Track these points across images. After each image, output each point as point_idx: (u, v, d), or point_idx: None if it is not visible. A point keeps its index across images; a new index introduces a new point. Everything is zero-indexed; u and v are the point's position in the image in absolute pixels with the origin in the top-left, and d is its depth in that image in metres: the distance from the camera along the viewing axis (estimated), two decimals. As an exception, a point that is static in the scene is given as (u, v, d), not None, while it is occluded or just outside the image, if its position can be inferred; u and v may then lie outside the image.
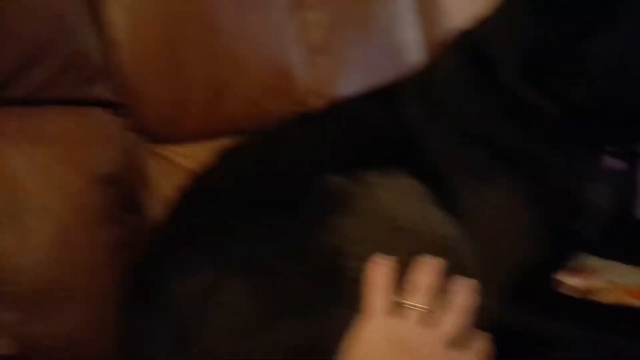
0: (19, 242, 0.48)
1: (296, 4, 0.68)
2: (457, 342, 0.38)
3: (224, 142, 0.60)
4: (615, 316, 0.46)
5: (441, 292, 0.40)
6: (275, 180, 0.50)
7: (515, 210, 0.48)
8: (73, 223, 0.50)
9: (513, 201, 0.48)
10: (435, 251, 0.41)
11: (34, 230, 0.49)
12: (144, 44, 0.59)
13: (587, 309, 0.46)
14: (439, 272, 0.40)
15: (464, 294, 0.40)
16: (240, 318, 0.40)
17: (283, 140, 0.58)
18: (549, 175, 0.49)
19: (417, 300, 0.39)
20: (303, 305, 0.39)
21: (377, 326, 0.38)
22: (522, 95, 0.49)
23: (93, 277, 0.50)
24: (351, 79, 0.71)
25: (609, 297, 0.48)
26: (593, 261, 0.52)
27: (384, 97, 0.59)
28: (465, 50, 0.55)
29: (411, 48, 0.77)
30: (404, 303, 0.39)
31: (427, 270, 0.40)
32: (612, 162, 0.51)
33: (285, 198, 0.46)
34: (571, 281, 0.49)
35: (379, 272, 0.40)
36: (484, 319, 0.40)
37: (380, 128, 0.56)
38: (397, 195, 0.46)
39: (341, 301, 0.39)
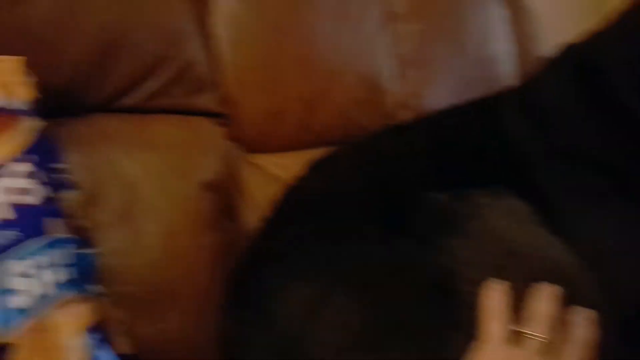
0: (130, 243, 0.51)
1: (388, 16, 0.68)
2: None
3: (315, 153, 0.61)
4: None
5: (560, 323, 0.38)
6: (375, 194, 0.49)
7: (635, 239, 0.45)
8: (180, 227, 0.52)
9: (632, 229, 0.45)
10: (552, 278, 0.40)
11: (145, 232, 0.51)
12: (245, 57, 0.61)
13: None
14: (558, 301, 0.38)
15: (585, 326, 0.38)
16: (348, 334, 0.40)
17: (377, 152, 0.57)
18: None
19: (536, 330, 0.37)
20: (417, 326, 0.39)
21: (495, 354, 0.37)
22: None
23: (196, 280, 0.52)
24: (441, 92, 0.70)
25: None
26: None
27: (481, 110, 0.57)
28: (575, 65, 0.53)
29: (503, 60, 0.75)
30: (523, 332, 0.37)
31: (545, 299, 0.38)
32: None
33: (390, 214, 0.45)
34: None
35: (495, 297, 0.38)
36: (603, 355, 0.38)
37: (479, 143, 0.54)
38: (506, 216, 0.45)
39: (456, 326, 0.38)
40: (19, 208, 0.36)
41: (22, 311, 0.34)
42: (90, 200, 0.48)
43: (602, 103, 0.49)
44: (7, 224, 0.35)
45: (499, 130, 0.54)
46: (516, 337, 0.37)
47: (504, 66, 0.76)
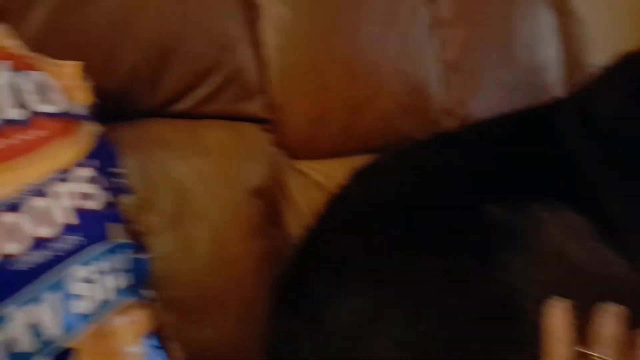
0: (181, 248, 0.51)
1: (436, 21, 0.67)
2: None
3: (357, 160, 0.60)
4: None
5: (626, 345, 0.36)
6: (426, 206, 0.48)
7: None
8: (229, 233, 0.52)
9: None
10: (617, 297, 0.38)
11: (195, 237, 0.51)
12: (292, 63, 0.61)
13: None
14: (624, 322, 0.37)
15: (653, 347, 0.36)
16: (405, 351, 0.39)
17: (424, 161, 0.56)
18: None
19: (601, 352, 0.36)
20: (478, 344, 0.37)
21: (560, 376, 0.35)
22: None
23: (244, 287, 0.52)
24: (486, 99, 0.69)
25: None
26: None
27: (534, 120, 0.56)
28: (633, 75, 0.51)
29: (551, 68, 0.73)
30: (588, 354, 0.36)
31: (612, 319, 0.37)
32: None
33: (444, 227, 0.44)
34: None
35: (559, 317, 0.37)
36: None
37: (533, 154, 0.52)
38: (566, 232, 0.43)
39: (518, 345, 0.37)
40: (82, 213, 0.36)
41: (84, 316, 0.34)
42: (143, 204, 0.48)
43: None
44: (71, 229, 0.35)
45: (555, 141, 0.52)
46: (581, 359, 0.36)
47: (552, 74, 0.74)
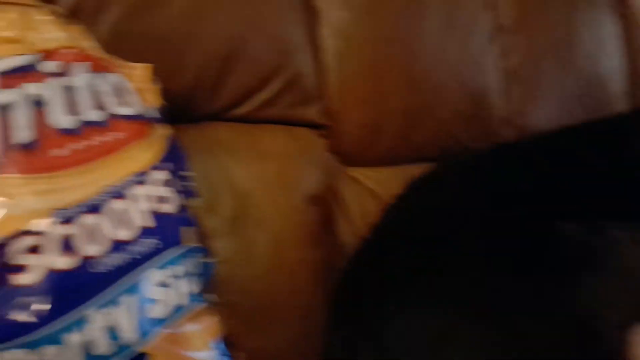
0: (240, 253, 0.50)
1: (497, 28, 0.65)
2: None
3: (411, 169, 0.59)
4: None
5: None
6: (493, 219, 0.47)
7: None
8: (288, 240, 0.52)
9: None
10: None
11: (255, 242, 0.51)
12: (350, 68, 0.60)
13: None
14: None
15: None
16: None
17: (486, 172, 0.54)
18: None
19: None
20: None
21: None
22: None
23: (301, 294, 0.52)
24: (547, 109, 0.67)
25: None
26: None
27: (603, 133, 0.54)
28: None
29: (614, 79, 0.70)
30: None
31: None
32: None
33: (515, 243, 0.42)
34: None
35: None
36: None
37: (603, 168, 0.50)
38: (646, 252, 0.41)
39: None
40: (158, 216, 0.36)
41: (159, 321, 0.34)
42: (206, 208, 0.48)
43: None
44: (148, 232, 0.35)
45: (628, 155, 0.50)
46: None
47: (614, 85, 0.71)
